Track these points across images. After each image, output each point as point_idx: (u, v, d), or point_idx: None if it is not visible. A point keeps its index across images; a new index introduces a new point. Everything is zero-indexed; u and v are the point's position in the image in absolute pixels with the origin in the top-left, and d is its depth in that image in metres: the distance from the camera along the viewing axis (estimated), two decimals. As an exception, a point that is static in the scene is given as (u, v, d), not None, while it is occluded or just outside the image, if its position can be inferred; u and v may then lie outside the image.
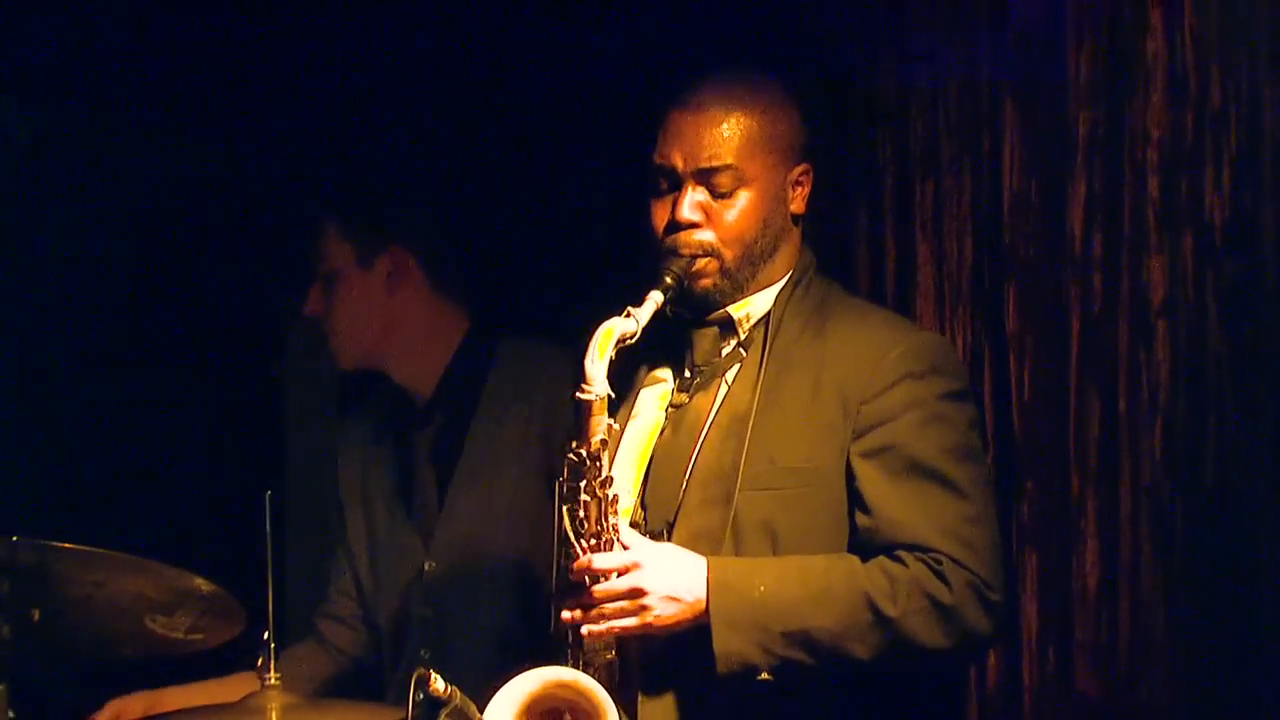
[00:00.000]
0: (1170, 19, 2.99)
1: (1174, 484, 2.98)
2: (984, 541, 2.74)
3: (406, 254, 3.42)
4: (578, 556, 2.70)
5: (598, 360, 2.70)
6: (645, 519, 2.86)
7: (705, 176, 2.84)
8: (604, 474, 2.71)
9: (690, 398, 2.90)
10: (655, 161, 2.87)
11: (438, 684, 2.52)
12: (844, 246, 3.35)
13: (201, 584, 2.88)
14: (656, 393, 2.94)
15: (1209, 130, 2.96)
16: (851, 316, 2.90)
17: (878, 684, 2.78)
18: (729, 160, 2.83)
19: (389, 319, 3.43)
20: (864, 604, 2.69)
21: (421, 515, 3.44)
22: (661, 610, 2.69)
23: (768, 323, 2.88)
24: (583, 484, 2.71)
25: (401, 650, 3.40)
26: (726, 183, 2.84)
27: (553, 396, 3.28)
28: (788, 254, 2.91)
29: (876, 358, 2.80)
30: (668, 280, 2.80)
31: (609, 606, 2.69)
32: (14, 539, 2.80)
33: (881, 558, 2.72)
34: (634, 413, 2.93)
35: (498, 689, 2.61)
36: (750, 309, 2.90)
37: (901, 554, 2.71)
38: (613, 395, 2.73)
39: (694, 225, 2.84)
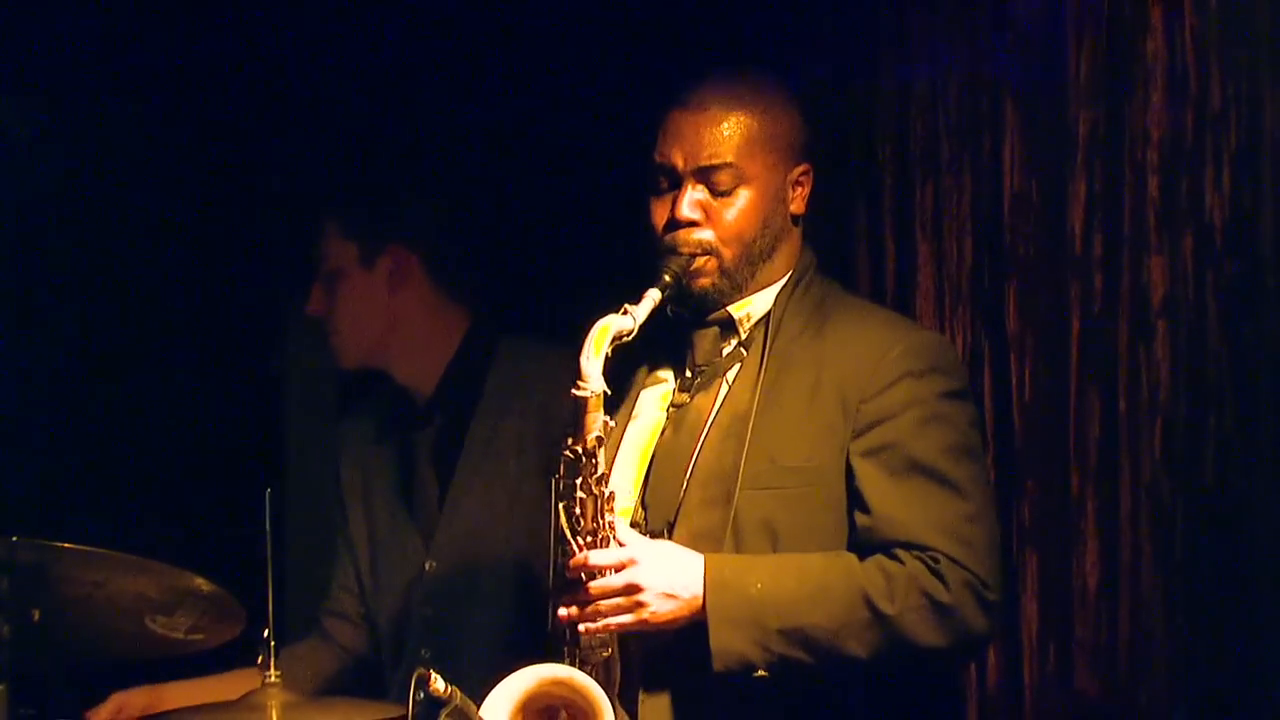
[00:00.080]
0: (1170, 19, 2.99)
1: (1174, 484, 2.98)
2: (982, 541, 2.74)
3: (408, 253, 3.42)
4: (574, 553, 2.70)
5: (593, 357, 2.70)
6: (646, 519, 2.85)
7: (705, 175, 2.84)
8: (599, 471, 2.70)
9: (691, 397, 2.90)
10: (655, 160, 2.87)
11: (438, 684, 2.51)
12: (844, 246, 3.35)
13: (201, 584, 2.88)
14: (657, 393, 2.94)
15: (1209, 130, 2.95)
16: (851, 316, 2.90)
17: (877, 683, 2.78)
18: (729, 159, 2.83)
19: (390, 318, 3.43)
20: (861, 602, 2.68)
21: (422, 515, 3.43)
22: (658, 607, 2.69)
23: (768, 322, 2.88)
24: (579, 481, 2.70)
25: (402, 650, 3.39)
26: (726, 181, 2.83)
27: (553, 395, 3.26)
28: (788, 254, 2.91)
29: (876, 357, 2.79)
30: (666, 278, 2.80)
31: (605, 603, 2.68)
32: (14, 539, 2.81)
33: (879, 556, 2.71)
34: (635, 413, 2.93)
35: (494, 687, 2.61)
36: (751, 309, 2.89)
37: (899, 552, 2.71)
38: (608, 392, 2.72)
39: (693, 224, 2.84)
